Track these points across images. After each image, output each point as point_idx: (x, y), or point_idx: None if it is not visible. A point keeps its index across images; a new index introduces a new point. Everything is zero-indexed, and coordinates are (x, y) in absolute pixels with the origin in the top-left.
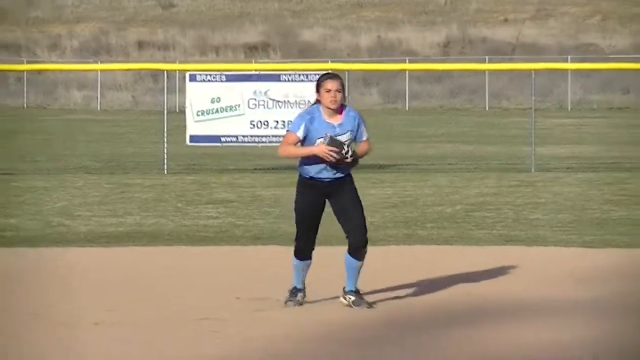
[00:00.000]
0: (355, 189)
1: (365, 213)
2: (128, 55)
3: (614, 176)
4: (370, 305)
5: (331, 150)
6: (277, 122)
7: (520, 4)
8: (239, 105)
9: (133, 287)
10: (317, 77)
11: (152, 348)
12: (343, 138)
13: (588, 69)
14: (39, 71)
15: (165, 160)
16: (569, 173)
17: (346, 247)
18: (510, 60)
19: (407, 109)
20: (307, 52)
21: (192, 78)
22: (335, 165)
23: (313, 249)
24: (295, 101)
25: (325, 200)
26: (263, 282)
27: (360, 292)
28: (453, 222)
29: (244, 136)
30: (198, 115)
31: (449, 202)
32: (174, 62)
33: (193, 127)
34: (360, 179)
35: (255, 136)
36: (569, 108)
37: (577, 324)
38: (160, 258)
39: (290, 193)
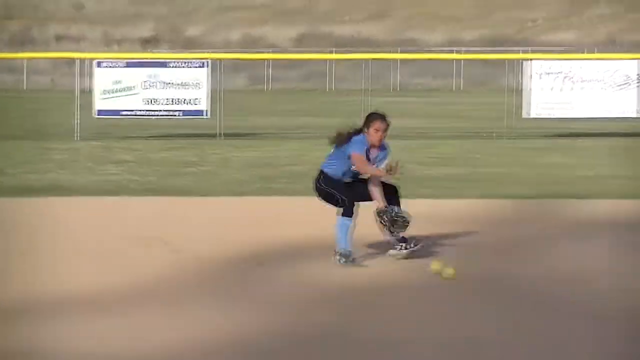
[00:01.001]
0: None
1: (233, 172)
2: (48, 46)
3: (427, 142)
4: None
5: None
6: (167, 99)
7: (359, 6)
8: (134, 87)
9: (49, 230)
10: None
11: (64, 279)
12: (380, 156)
13: (412, 58)
14: None
15: (77, 129)
16: (394, 141)
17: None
18: (351, 52)
19: (270, 89)
20: (190, 45)
21: (99, 64)
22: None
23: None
24: (181, 82)
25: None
26: (155, 225)
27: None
28: (302, 178)
29: (139, 111)
30: (103, 94)
31: (299, 163)
32: (84, 52)
33: (99, 104)
34: (229, 145)
35: (148, 111)
36: (398, 89)
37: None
38: (74, 206)
39: (175, 155)
